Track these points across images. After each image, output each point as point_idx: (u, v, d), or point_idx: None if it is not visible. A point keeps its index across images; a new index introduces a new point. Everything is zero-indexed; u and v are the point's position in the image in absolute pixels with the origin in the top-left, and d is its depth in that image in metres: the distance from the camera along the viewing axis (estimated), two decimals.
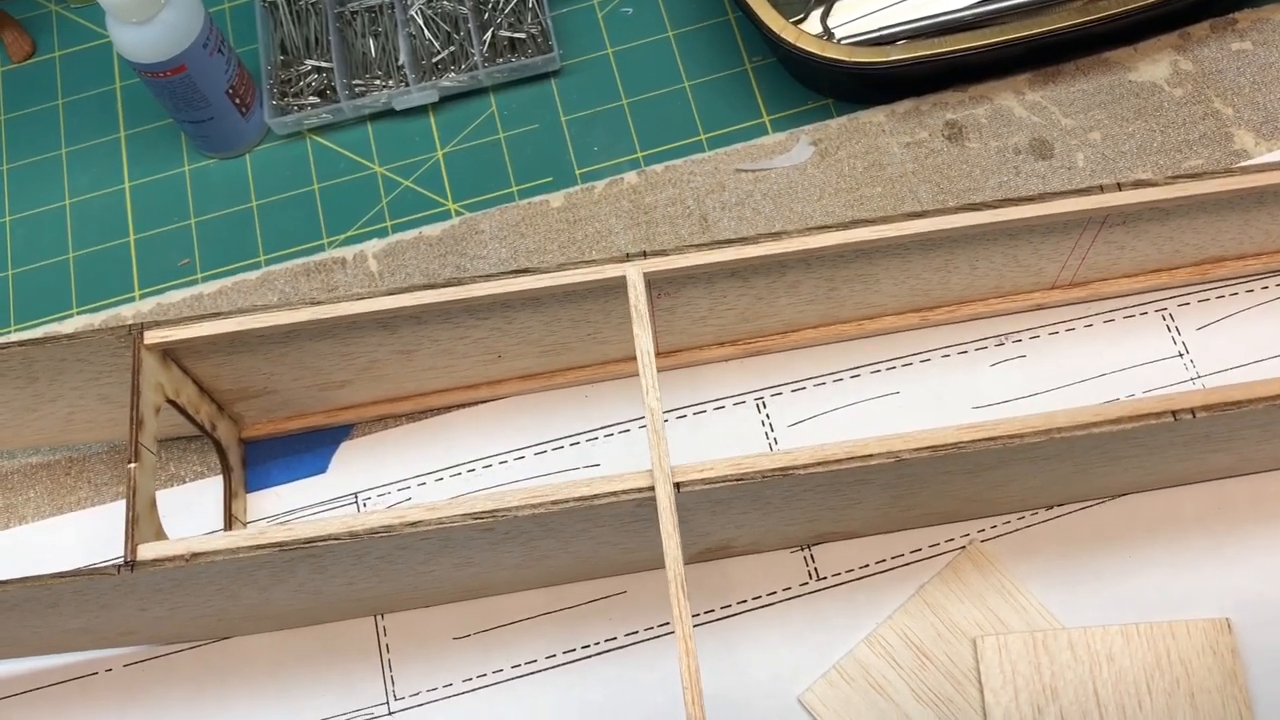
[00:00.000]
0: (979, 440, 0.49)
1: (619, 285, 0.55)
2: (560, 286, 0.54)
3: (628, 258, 0.55)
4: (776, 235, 0.55)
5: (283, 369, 0.59)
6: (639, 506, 0.50)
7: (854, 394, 0.63)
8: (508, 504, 0.49)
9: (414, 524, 0.49)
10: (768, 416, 0.63)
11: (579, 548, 0.54)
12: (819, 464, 0.49)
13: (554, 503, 0.49)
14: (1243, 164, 0.65)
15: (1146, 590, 0.57)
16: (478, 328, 0.57)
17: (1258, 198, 0.56)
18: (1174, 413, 0.49)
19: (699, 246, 0.55)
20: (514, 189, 0.72)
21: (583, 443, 0.63)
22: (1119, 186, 0.54)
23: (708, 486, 0.49)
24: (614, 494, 0.49)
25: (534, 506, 0.49)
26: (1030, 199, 0.54)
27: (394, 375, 0.61)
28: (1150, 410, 0.49)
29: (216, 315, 0.55)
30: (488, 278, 0.54)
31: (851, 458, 0.49)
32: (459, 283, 0.54)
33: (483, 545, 0.52)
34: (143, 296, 0.71)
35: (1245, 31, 0.69)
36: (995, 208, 0.54)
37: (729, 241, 0.55)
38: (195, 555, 0.49)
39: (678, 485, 0.48)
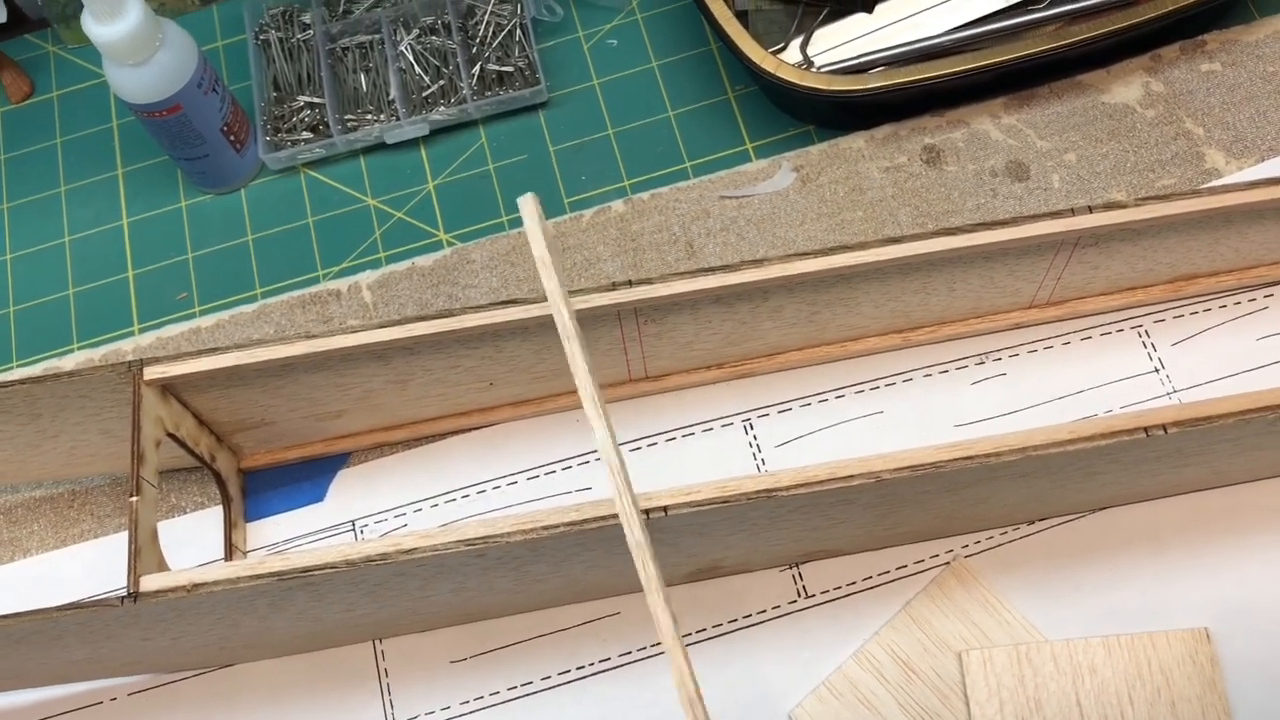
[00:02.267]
0: (956, 460, 0.50)
1: (608, 314, 0.57)
2: (547, 316, 0.56)
3: (614, 286, 0.56)
4: (758, 262, 0.56)
5: (279, 401, 0.61)
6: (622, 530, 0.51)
7: (839, 414, 0.64)
8: (499, 530, 0.50)
9: (409, 551, 0.50)
10: (755, 438, 0.64)
11: (570, 571, 0.55)
12: (801, 485, 0.50)
13: (544, 528, 0.50)
14: (1210, 184, 0.67)
15: (1127, 602, 0.59)
16: (469, 357, 0.59)
17: (1225, 217, 0.58)
18: (1146, 429, 0.50)
19: (682, 275, 0.56)
20: (504, 219, 0.73)
21: (575, 466, 0.64)
22: (1090, 209, 0.56)
23: (694, 510, 0.50)
24: (602, 519, 0.50)
25: (525, 532, 0.50)
26: (1004, 223, 0.56)
27: (389, 404, 0.62)
28: (1123, 427, 0.51)
29: (214, 350, 0.56)
30: (477, 309, 0.56)
31: (833, 479, 0.51)
32: (450, 314, 0.56)
33: (476, 570, 0.53)
34: (142, 331, 0.72)
35: (1214, 53, 0.71)
36: (970, 232, 0.56)
37: (712, 269, 0.56)
38: (196, 586, 0.51)
39: (651, 511, 0.50)
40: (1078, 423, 0.51)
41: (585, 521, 0.50)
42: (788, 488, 0.51)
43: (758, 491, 0.51)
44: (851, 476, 0.51)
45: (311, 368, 0.58)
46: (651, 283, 0.56)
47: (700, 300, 0.58)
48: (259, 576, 0.50)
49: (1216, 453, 0.54)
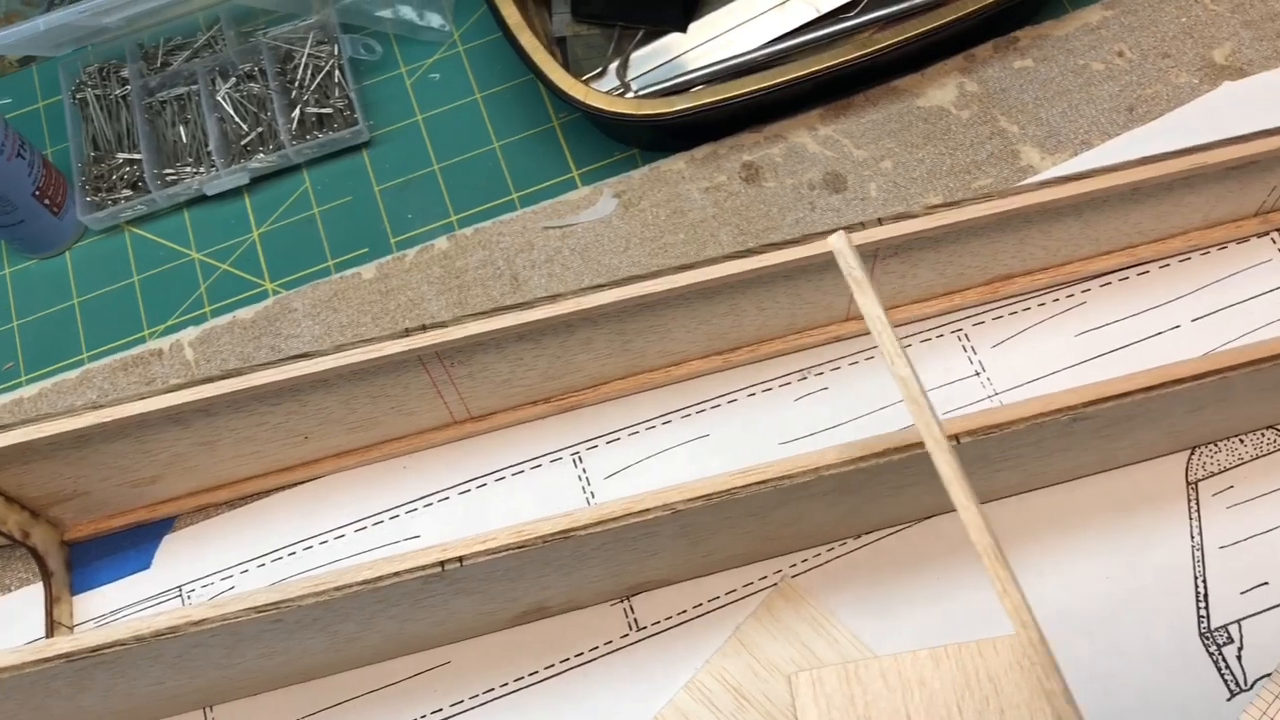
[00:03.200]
0: (749, 485, 0.50)
1: (408, 359, 0.56)
2: (343, 368, 0.55)
3: (407, 332, 0.55)
4: (553, 298, 0.56)
5: (87, 471, 0.59)
6: (426, 583, 0.50)
7: (666, 440, 0.63)
8: (291, 594, 0.49)
9: (199, 622, 0.49)
10: (584, 471, 0.63)
11: (383, 627, 0.54)
12: (598, 523, 0.50)
13: (337, 589, 0.49)
14: (1023, 182, 0.67)
15: (955, 611, 0.58)
16: (272, 413, 0.58)
17: (1024, 219, 0.58)
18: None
19: (477, 315, 0.55)
20: (330, 263, 0.72)
21: (402, 515, 0.63)
22: (879, 221, 0.56)
23: (491, 557, 0.49)
24: (397, 574, 0.49)
25: (316, 595, 0.49)
26: (793, 242, 0.55)
27: (203, 466, 0.61)
28: (915, 440, 0.50)
29: (3, 428, 0.55)
30: (267, 365, 0.55)
31: (629, 514, 0.50)
32: (239, 372, 0.55)
33: (279, 635, 0.52)
34: None
35: (1026, 49, 0.71)
36: (760, 253, 0.55)
37: (507, 308, 0.56)
38: None
39: (447, 562, 0.49)
40: (869, 440, 0.50)
41: (380, 579, 0.49)
42: (584, 527, 0.50)
43: (554, 533, 0.50)
44: (647, 510, 0.50)
45: (109, 437, 0.56)
46: (446, 325, 0.55)
47: (504, 339, 0.57)
48: (46, 660, 0.49)
49: (1022, 457, 0.54)
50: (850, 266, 0.45)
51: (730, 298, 0.58)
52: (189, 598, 0.63)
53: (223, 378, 0.54)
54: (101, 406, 0.54)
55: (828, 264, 0.58)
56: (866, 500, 0.55)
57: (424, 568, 0.49)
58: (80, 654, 0.49)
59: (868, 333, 0.63)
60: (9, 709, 0.53)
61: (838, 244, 0.46)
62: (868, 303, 0.45)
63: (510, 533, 0.50)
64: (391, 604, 0.52)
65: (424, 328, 0.55)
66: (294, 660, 0.56)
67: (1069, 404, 0.51)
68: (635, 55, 0.73)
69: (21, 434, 0.54)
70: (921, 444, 0.50)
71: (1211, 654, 0.56)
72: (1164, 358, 0.62)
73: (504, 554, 0.50)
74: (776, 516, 0.54)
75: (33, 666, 0.49)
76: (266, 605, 0.49)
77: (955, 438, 0.50)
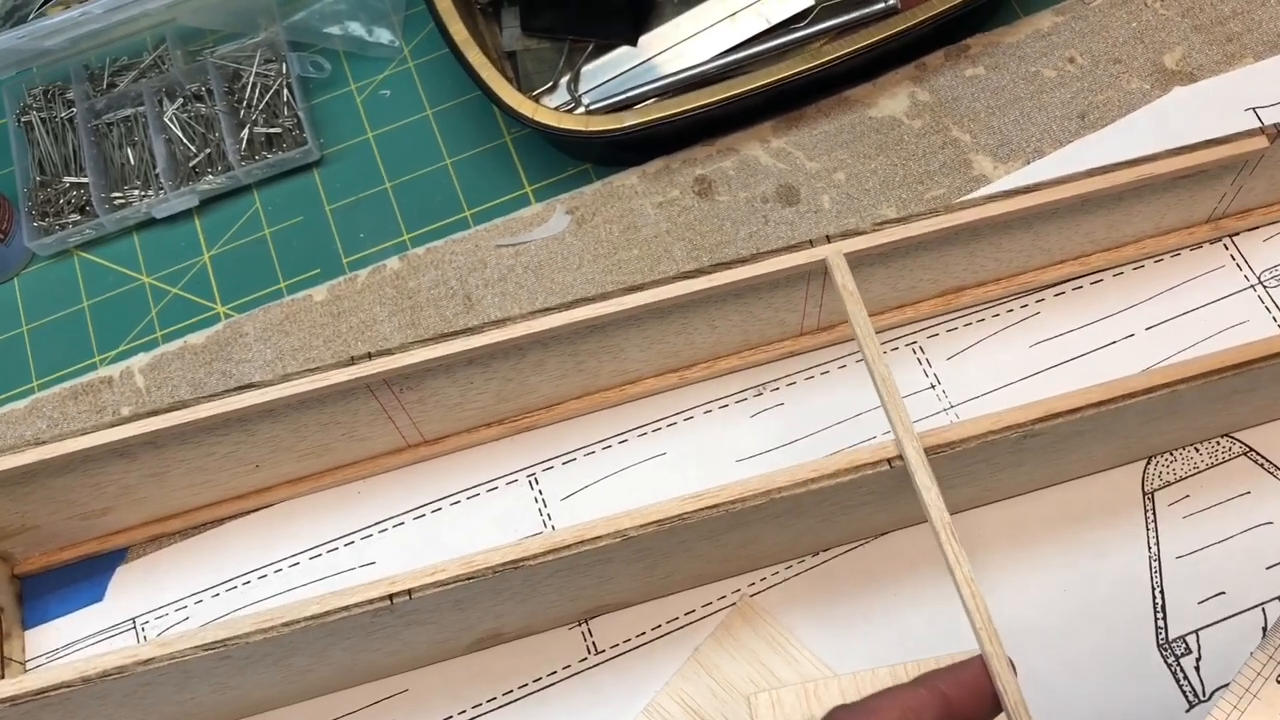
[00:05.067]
0: (701, 510, 0.49)
1: (355, 387, 0.55)
2: (289, 398, 0.54)
3: (353, 361, 0.55)
4: (500, 322, 0.55)
5: (34, 506, 0.58)
6: (375, 616, 0.50)
7: (623, 459, 0.63)
8: (238, 631, 0.48)
9: (146, 661, 0.48)
10: (540, 492, 0.63)
11: (336, 659, 0.54)
12: (548, 552, 0.49)
13: (284, 625, 0.48)
14: (971, 194, 0.66)
15: (915, 627, 0.58)
16: (221, 444, 0.57)
17: (972, 232, 0.58)
18: (889, 461, 0.50)
19: (423, 342, 0.55)
20: (282, 285, 0.71)
21: (357, 541, 0.62)
22: (828, 239, 0.55)
23: (440, 590, 0.49)
24: (345, 609, 0.49)
25: (264, 631, 0.48)
26: (742, 260, 0.55)
27: (154, 497, 0.60)
28: (866, 460, 0.50)
29: None
30: (211, 397, 0.54)
31: (580, 541, 0.49)
32: (184, 405, 0.54)
33: (230, 671, 0.51)
34: None
35: (978, 57, 0.71)
36: (709, 273, 0.55)
37: (453, 334, 0.55)
38: None
39: (395, 595, 0.48)
40: (819, 460, 0.50)
41: (328, 614, 0.49)
42: (535, 556, 0.49)
43: (504, 564, 0.49)
44: (599, 538, 0.49)
45: (54, 472, 0.56)
46: (392, 353, 0.55)
47: (453, 364, 0.56)
48: None
49: (974, 473, 0.54)
50: (845, 279, 0.52)
51: (682, 316, 0.58)
52: (143, 630, 0.62)
53: (168, 410, 0.53)
54: (44, 443, 0.53)
55: (778, 282, 0.57)
56: (820, 520, 0.54)
57: (371, 601, 0.49)
58: (24, 697, 0.48)
59: (821, 347, 0.63)
60: None
61: (833, 258, 0.52)
62: (858, 312, 0.51)
63: (460, 564, 0.49)
64: (343, 637, 0.51)
65: (369, 355, 0.54)
66: (247, 694, 0.55)
67: (1018, 421, 0.51)
68: (586, 69, 0.72)
69: None
70: (870, 464, 0.50)
71: (1170, 665, 0.56)
72: (1119, 366, 0.62)
73: (454, 585, 0.49)
74: (730, 539, 0.53)
75: None
76: (214, 643, 0.48)
77: (900, 458, 0.50)
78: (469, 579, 0.49)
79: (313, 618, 0.49)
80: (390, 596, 0.49)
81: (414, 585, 0.49)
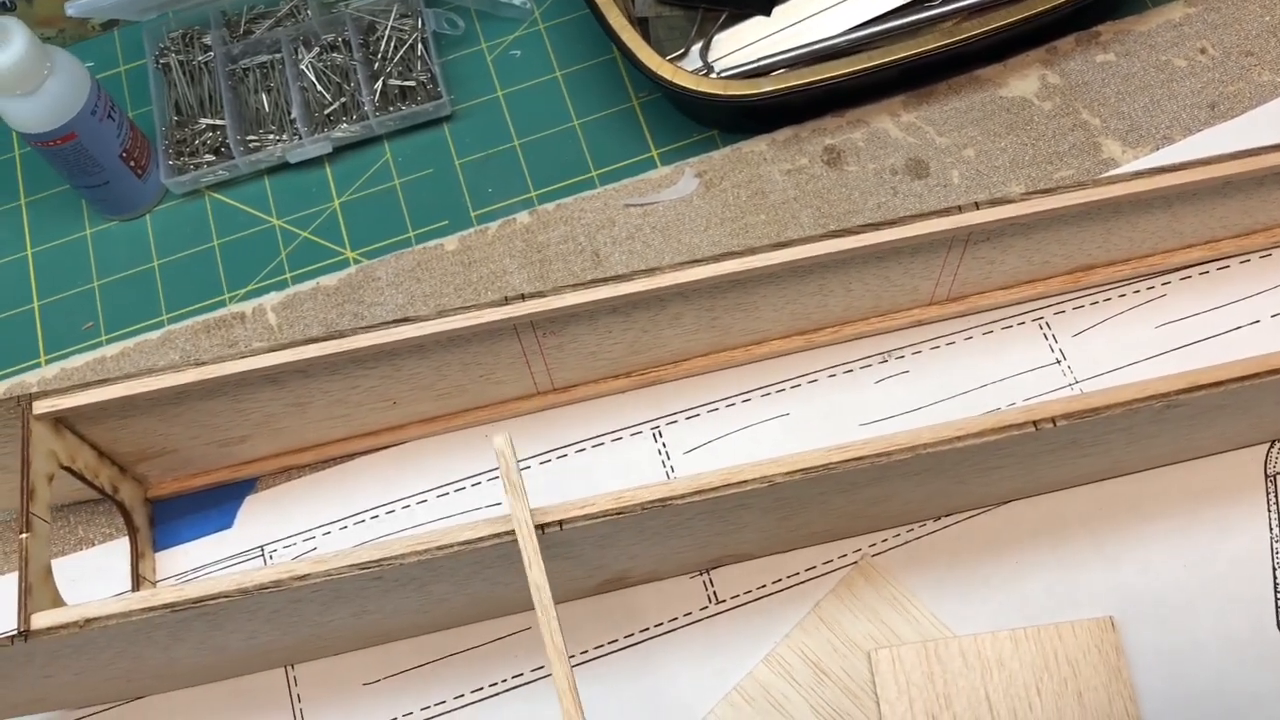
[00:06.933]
0: (847, 460, 0.50)
1: (504, 328, 0.57)
2: (442, 333, 0.55)
3: (506, 301, 0.56)
4: (650, 271, 0.56)
5: (179, 429, 0.60)
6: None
7: (746, 418, 0.64)
8: (393, 552, 0.50)
9: (302, 577, 0.50)
10: (664, 445, 0.64)
11: (474, 589, 0.55)
12: (696, 492, 0.50)
13: (439, 548, 0.50)
14: (1108, 174, 0.67)
15: (1033, 594, 0.59)
16: (367, 377, 0.58)
17: (1113, 208, 0.58)
18: (1035, 423, 0.51)
19: (575, 286, 0.56)
20: (410, 234, 0.73)
21: (484, 483, 0.64)
22: (976, 205, 0.56)
23: (589, 522, 0.50)
24: (498, 536, 0.50)
25: (419, 554, 0.50)
26: (891, 222, 0.56)
27: (292, 427, 0.62)
28: (1012, 422, 0.51)
29: (104, 382, 0.55)
30: (369, 328, 0.55)
31: (727, 484, 0.50)
32: (340, 335, 0.55)
33: (376, 593, 0.53)
34: (48, 362, 0.71)
35: (1108, 44, 0.71)
36: (858, 233, 0.56)
37: (604, 280, 0.56)
38: (89, 621, 0.50)
39: (547, 526, 0.49)
40: (966, 420, 0.51)
41: (480, 540, 0.50)
42: (682, 495, 0.50)
43: (653, 501, 0.50)
44: (745, 481, 0.50)
45: (206, 394, 0.57)
46: (545, 295, 0.56)
47: (597, 311, 0.58)
48: (151, 609, 0.50)
49: (1111, 443, 0.55)
50: (509, 468, 0.49)
51: (821, 277, 0.59)
52: (271, 558, 0.64)
53: (325, 339, 0.55)
54: (204, 364, 0.55)
55: (918, 248, 0.58)
56: (955, 481, 0.55)
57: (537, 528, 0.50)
58: (184, 604, 0.50)
59: (950, 318, 0.64)
60: (108, 657, 0.54)
61: (499, 444, 0.49)
62: (519, 507, 0.49)
63: (610, 498, 0.50)
64: (486, 565, 0.52)
65: (523, 296, 0.56)
66: (384, 620, 0.57)
67: (1163, 390, 0.51)
68: (718, 38, 0.73)
69: (125, 388, 0.55)
70: (1017, 424, 0.51)
71: None
72: (1244, 352, 0.62)
73: (602, 519, 0.50)
74: (865, 494, 0.54)
75: (139, 615, 0.50)
76: (369, 562, 0.50)
77: (1051, 420, 0.50)
78: (618, 514, 0.50)
79: (465, 543, 0.50)
80: (542, 526, 0.50)
81: (564, 516, 0.50)
